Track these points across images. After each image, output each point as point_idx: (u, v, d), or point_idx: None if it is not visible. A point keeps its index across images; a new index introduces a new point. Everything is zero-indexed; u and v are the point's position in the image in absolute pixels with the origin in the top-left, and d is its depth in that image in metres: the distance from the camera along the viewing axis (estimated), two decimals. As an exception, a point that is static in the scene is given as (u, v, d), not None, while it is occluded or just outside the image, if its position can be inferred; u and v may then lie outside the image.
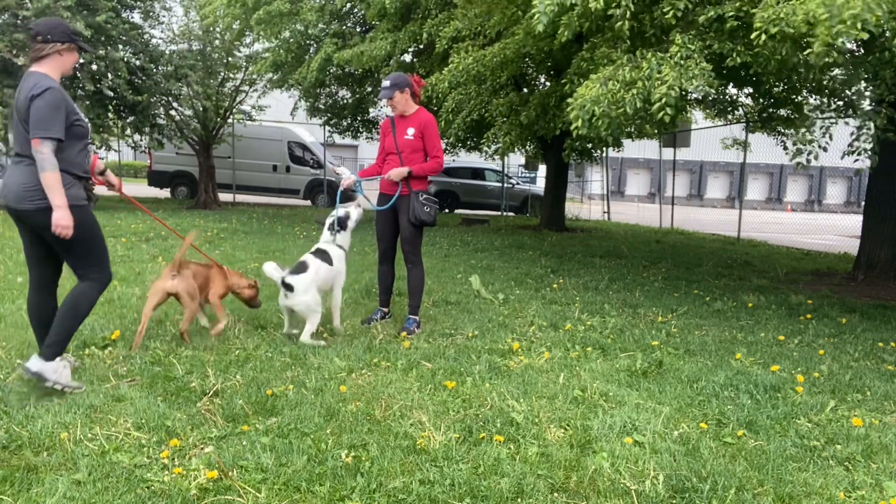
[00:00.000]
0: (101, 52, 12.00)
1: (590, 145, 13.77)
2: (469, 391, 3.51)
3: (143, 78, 13.75)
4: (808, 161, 7.00)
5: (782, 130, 13.10)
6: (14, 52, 11.66)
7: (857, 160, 6.92)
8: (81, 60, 10.71)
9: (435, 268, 7.64)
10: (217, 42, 15.30)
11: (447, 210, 20.29)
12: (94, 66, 12.57)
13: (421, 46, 11.92)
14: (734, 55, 5.27)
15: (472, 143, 15.29)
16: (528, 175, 27.30)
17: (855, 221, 9.81)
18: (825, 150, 7.31)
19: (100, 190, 8.45)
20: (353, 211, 4.80)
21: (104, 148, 13.80)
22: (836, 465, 2.84)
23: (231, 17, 12.51)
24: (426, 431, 2.97)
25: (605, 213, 21.09)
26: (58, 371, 3.22)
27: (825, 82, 9.27)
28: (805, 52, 4.45)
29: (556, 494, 2.51)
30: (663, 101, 5.06)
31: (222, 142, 16.84)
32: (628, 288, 7.02)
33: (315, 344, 4.28)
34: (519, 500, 2.45)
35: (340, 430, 2.96)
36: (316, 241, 4.89)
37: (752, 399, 3.58)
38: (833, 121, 8.68)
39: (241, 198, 19.48)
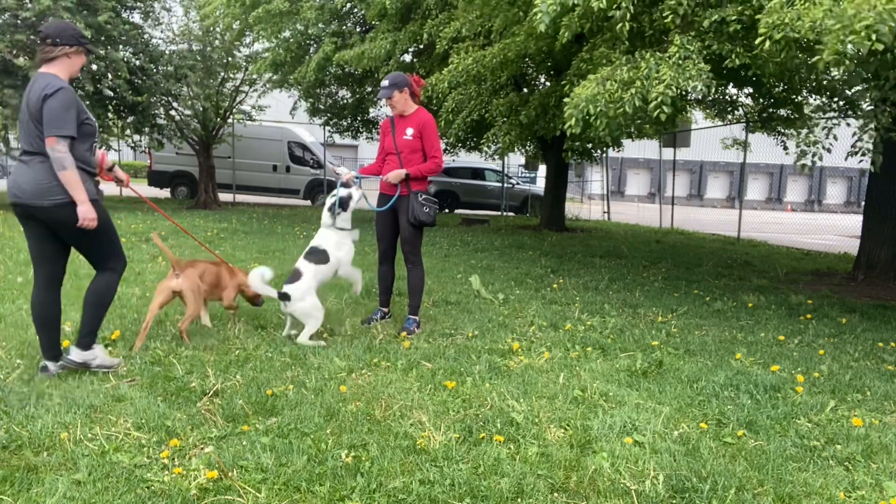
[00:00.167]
0: (101, 52, 12.00)
1: (590, 145, 13.78)
2: (469, 391, 3.51)
3: (143, 78, 13.75)
4: (814, 163, 6.98)
5: (782, 130, 13.11)
6: (14, 52, 11.66)
7: (861, 160, 6.90)
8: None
9: (435, 268, 7.64)
10: (217, 42, 15.30)
11: (447, 210, 20.29)
12: (94, 67, 12.56)
13: (421, 47, 11.93)
14: (733, 56, 5.27)
15: (472, 143, 15.30)
16: (528, 175, 27.32)
17: (855, 221, 9.81)
18: (829, 151, 7.29)
19: (107, 186, 8.48)
20: (355, 192, 4.68)
21: (104, 148, 13.80)
22: (836, 465, 2.83)
23: (231, 16, 12.51)
24: (426, 431, 2.97)
25: (605, 213, 21.09)
26: (97, 356, 3.53)
27: (825, 82, 9.27)
28: (814, 59, 4.42)
29: (556, 494, 2.51)
30: (659, 99, 5.05)
31: (222, 142, 16.85)
32: (628, 288, 7.02)
33: (315, 344, 4.29)
34: (519, 500, 2.45)
35: (340, 430, 2.96)
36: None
37: (752, 399, 3.58)
38: (836, 122, 8.67)
39: (241, 198, 19.48)
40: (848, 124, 8.35)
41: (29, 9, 11.36)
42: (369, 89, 15.03)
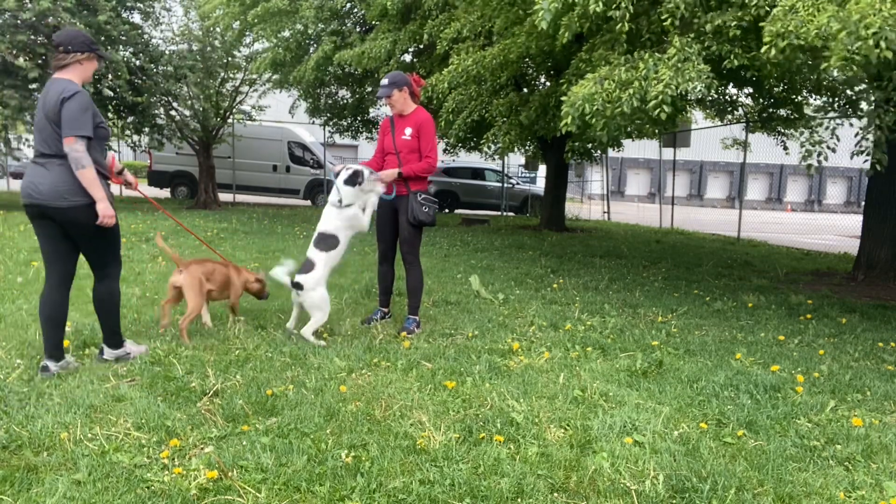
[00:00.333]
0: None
1: (590, 146, 13.79)
2: (469, 391, 3.51)
3: (143, 78, 13.75)
4: (819, 162, 6.96)
5: (782, 130, 13.11)
6: (14, 52, 11.65)
7: (865, 161, 6.89)
8: None
9: (435, 268, 7.64)
10: (217, 42, 15.30)
11: (447, 210, 20.29)
12: (95, 67, 12.55)
13: (421, 47, 11.93)
14: (732, 57, 5.26)
15: (472, 144, 15.31)
16: (528, 175, 27.31)
17: (855, 221, 9.81)
18: (834, 151, 7.28)
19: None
20: (367, 171, 4.58)
21: (109, 151, 13.82)
22: (836, 465, 2.83)
23: (230, 15, 12.50)
24: (426, 431, 2.97)
25: (605, 213, 21.09)
26: (129, 350, 3.83)
27: (825, 82, 9.27)
28: (823, 66, 4.40)
29: (556, 494, 2.51)
30: (660, 98, 5.05)
31: (222, 142, 16.84)
32: (628, 288, 7.02)
33: (315, 343, 4.29)
34: (519, 500, 2.45)
35: (340, 430, 2.96)
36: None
37: (752, 399, 3.58)
38: (839, 122, 8.66)
39: (241, 198, 19.48)
40: (851, 124, 8.34)
41: (29, 9, 11.36)
42: (369, 89, 15.02)
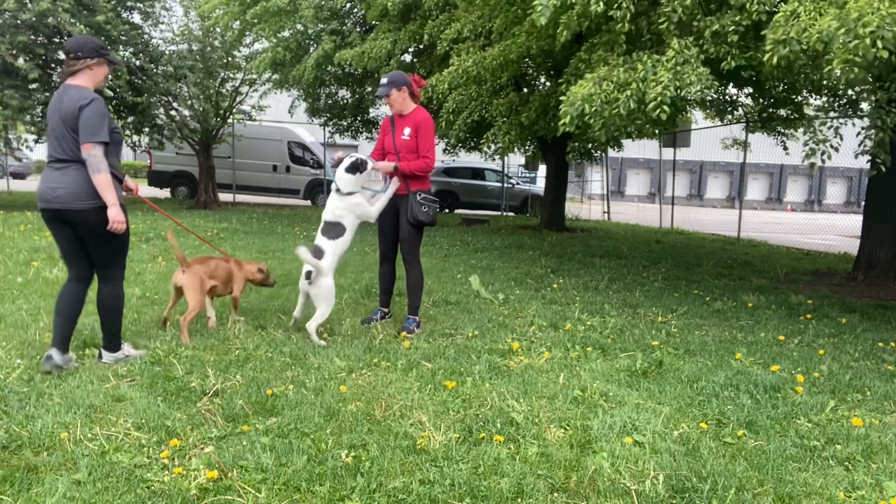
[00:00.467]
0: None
1: (591, 146, 13.79)
2: (469, 391, 3.51)
3: (143, 78, 13.75)
4: (823, 161, 6.95)
5: (782, 130, 13.11)
6: (14, 52, 11.65)
7: (868, 161, 6.87)
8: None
9: (435, 268, 7.64)
10: (217, 42, 15.30)
11: (447, 210, 20.29)
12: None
13: (421, 47, 11.93)
14: (729, 59, 5.26)
15: (472, 144, 15.31)
16: (528, 175, 27.30)
17: (855, 221, 9.80)
18: (837, 150, 7.27)
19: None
20: (370, 161, 4.62)
21: None
22: (836, 465, 2.84)
23: (230, 15, 12.49)
24: (426, 431, 2.97)
25: (605, 213, 21.09)
26: (127, 353, 3.83)
27: (825, 82, 9.26)
28: (826, 69, 4.40)
29: (556, 494, 2.51)
30: (659, 99, 5.05)
31: (222, 142, 16.84)
32: (628, 288, 7.02)
33: (317, 342, 4.30)
34: (519, 500, 2.45)
35: (340, 430, 2.96)
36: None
37: (752, 399, 3.58)
38: (842, 121, 8.65)
39: (241, 198, 19.48)
40: (853, 124, 8.33)
41: (29, 10, 11.36)
42: (369, 89, 15.03)
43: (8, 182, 20.52)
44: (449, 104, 9.89)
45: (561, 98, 5.66)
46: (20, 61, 11.45)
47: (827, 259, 11.06)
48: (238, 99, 16.60)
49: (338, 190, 4.56)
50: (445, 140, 14.42)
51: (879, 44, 3.87)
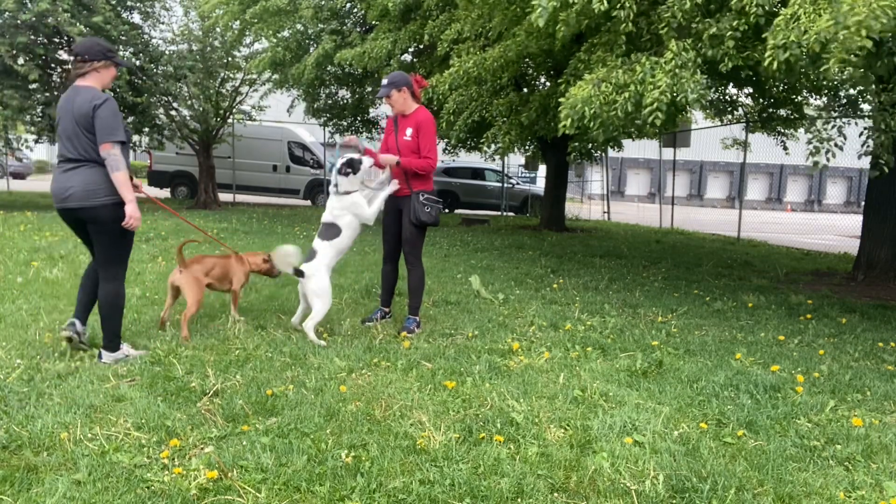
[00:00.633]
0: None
1: (591, 146, 13.79)
2: (469, 391, 3.51)
3: (143, 78, 13.75)
4: (828, 160, 6.95)
5: (782, 130, 13.12)
6: (14, 52, 11.65)
7: (872, 162, 6.86)
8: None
9: (435, 268, 7.64)
10: (217, 42, 15.30)
11: (447, 210, 20.28)
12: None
13: (421, 47, 11.93)
14: (727, 60, 5.26)
15: (472, 144, 15.32)
16: (528, 175, 27.30)
17: (855, 221, 9.80)
18: (841, 149, 7.26)
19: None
20: (366, 159, 4.63)
21: None
22: (836, 465, 2.84)
23: (230, 14, 12.49)
24: (426, 431, 2.97)
25: (605, 213, 21.08)
26: (127, 353, 3.85)
27: (825, 82, 9.27)
28: (822, 68, 4.41)
29: (556, 494, 2.51)
30: (654, 105, 5.07)
31: (222, 142, 16.84)
32: (628, 288, 7.02)
33: (316, 342, 4.30)
34: (519, 500, 2.45)
35: (340, 430, 2.96)
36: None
37: (752, 399, 3.58)
38: (844, 121, 8.65)
39: (241, 198, 19.48)
40: (856, 123, 8.33)
41: (29, 10, 11.36)
42: (369, 89, 15.02)
43: (8, 182, 20.52)
44: (449, 105, 9.89)
45: (560, 100, 5.66)
46: (20, 62, 11.44)
47: (827, 259, 11.07)
48: (238, 99, 16.60)
49: (336, 188, 4.59)
50: (446, 140, 14.43)
51: (864, 32, 3.90)
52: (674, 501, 2.49)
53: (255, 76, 15.88)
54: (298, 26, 12.56)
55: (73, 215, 3.68)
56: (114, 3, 12.85)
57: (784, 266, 9.62)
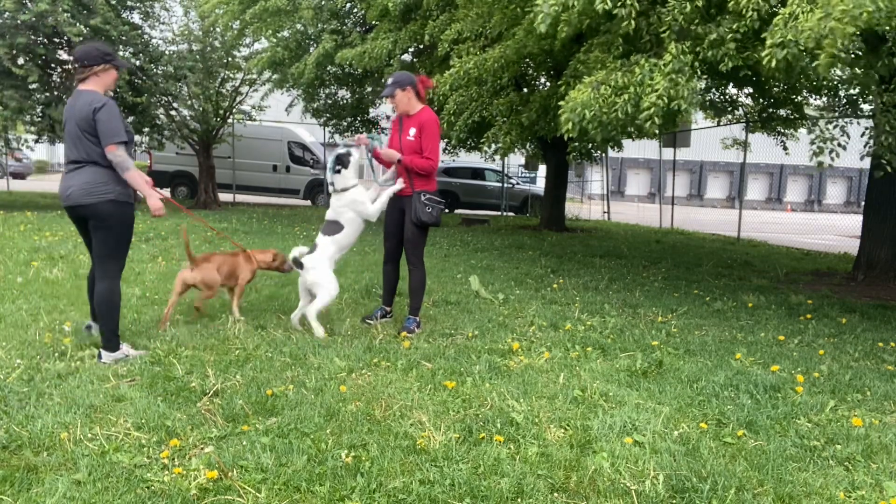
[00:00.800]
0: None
1: (591, 146, 13.79)
2: (469, 391, 3.51)
3: (143, 78, 13.75)
4: (832, 159, 6.93)
5: (782, 130, 13.11)
6: (14, 52, 11.65)
7: (875, 162, 6.86)
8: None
9: (435, 268, 7.64)
10: (217, 42, 15.29)
11: (447, 210, 20.29)
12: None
13: (421, 47, 11.92)
14: (727, 60, 5.27)
15: (472, 144, 15.32)
16: (528, 175, 27.31)
17: (855, 221, 9.81)
18: (844, 148, 7.25)
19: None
20: (355, 150, 4.71)
21: None
22: (836, 465, 2.84)
23: (229, 14, 12.49)
24: (426, 431, 2.97)
25: (605, 213, 21.08)
26: (127, 353, 3.86)
27: (825, 82, 9.27)
28: (813, 64, 4.42)
29: (556, 494, 2.51)
30: (652, 110, 5.08)
31: (222, 142, 16.84)
32: (628, 288, 7.02)
33: (317, 329, 4.42)
34: (519, 500, 2.45)
35: (340, 430, 2.96)
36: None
37: (752, 399, 3.58)
38: (846, 120, 8.64)
39: (241, 198, 19.47)
40: (858, 123, 8.32)
41: (29, 10, 11.36)
42: (369, 89, 15.02)
43: (8, 182, 20.52)
44: (450, 106, 9.89)
45: (560, 103, 5.66)
46: (20, 63, 11.44)
47: (827, 259, 11.06)
48: (238, 99, 16.60)
49: (332, 186, 4.70)
50: (446, 140, 14.41)
51: (849, 21, 3.92)
52: (674, 501, 2.49)
53: (255, 76, 15.87)
54: (298, 26, 12.55)
55: (75, 213, 3.80)
56: (114, 3, 12.85)
57: (784, 266, 9.62)
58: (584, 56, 6.61)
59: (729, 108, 13.70)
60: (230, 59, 15.69)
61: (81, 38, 11.80)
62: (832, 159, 6.92)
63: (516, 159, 23.56)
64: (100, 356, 3.80)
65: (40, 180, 28.38)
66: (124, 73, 12.50)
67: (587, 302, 6.12)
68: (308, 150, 19.83)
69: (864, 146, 7.25)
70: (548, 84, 11.72)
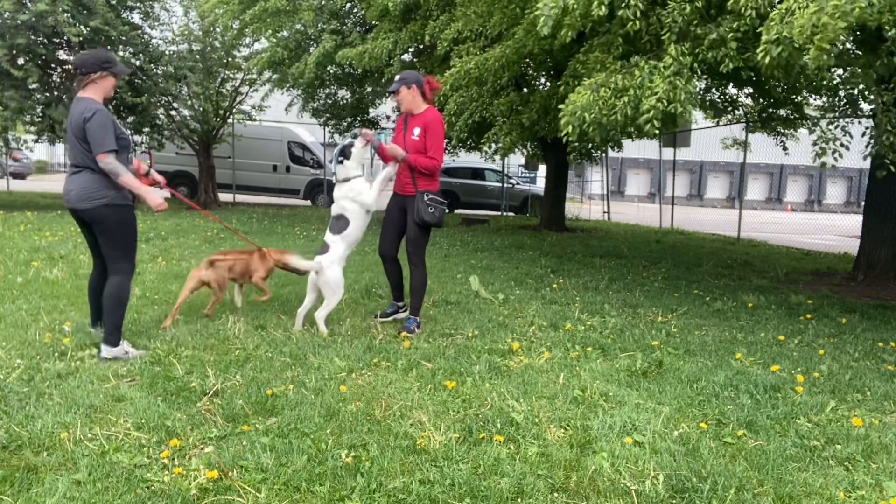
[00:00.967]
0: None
1: (591, 146, 13.79)
2: (469, 391, 3.51)
3: (143, 78, 13.75)
4: (836, 160, 6.92)
5: (782, 130, 13.11)
6: (14, 52, 11.65)
7: (878, 163, 6.85)
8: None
9: (435, 268, 7.64)
10: (217, 42, 15.30)
11: (447, 210, 20.26)
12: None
13: (422, 46, 11.92)
14: (727, 61, 5.27)
15: (472, 144, 15.32)
16: (528, 175, 27.31)
17: (855, 221, 9.81)
18: (847, 148, 7.23)
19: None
20: (358, 141, 4.71)
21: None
22: (836, 465, 2.84)
23: (229, 13, 12.48)
24: (426, 431, 2.97)
25: (605, 213, 21.08)
26: (127, 351, 3.90)
27: (825, 82, 9.26)
28: (804, 59, 4.43)
29: (556, 494, 2.51)
30: (651, 113, 5.08)
31: (222, 142, 16.83)
32: (628, 288, 7.02)
33: (324, 331, 4.48)
34: (519, 500, 2.45)
35: (340, 430, 2.96)
36: (318, 242, 4.89)
37: (752, 399, 3.58)
38: (847, 120, 8.63)
39: (241, 198, 19.47)
40: (860, 123, 8.31)
41: (29, 10, 11.35)
42: (369, 89, 15.02)
43: (8, 182, 20.53)
44: (450, 106, 9.89)
45: (560, 107, 5.66)
46: (20, 63, 11.45)
47: (827, 259, 11.06)
48: (238, 99, 16.60)
49: (335, 177, 4.74)
50: (446, 141, 14.41)
51: (837, 14, 3.92)
52: (674, 501, 2.49)
53: (254, 76, 15.88)
54: (298, 26, 12.54)
55: (74, 215, 3.93)
56: (114, 3, 12.84)
57: (784, 266, 9.62)
58: (584, 56, 6.61)
59: (729, 108, 13.70)
60: (230, 59, 15.69)
61: (81, 39, 11.81)
62: (835, 160, 6.91)
63: (516, 159, 23.56)
64: (100, 351, 3.83)
65: (40, 180, 28.38)
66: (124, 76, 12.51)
67: (587, 302, 6.13)
68: (308, 150, 19.82)
69: (867, 146, 7.24)
70: (548, 84, 11.71)
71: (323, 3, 12.30)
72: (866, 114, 8.54)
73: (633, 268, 8.69)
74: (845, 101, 9.63)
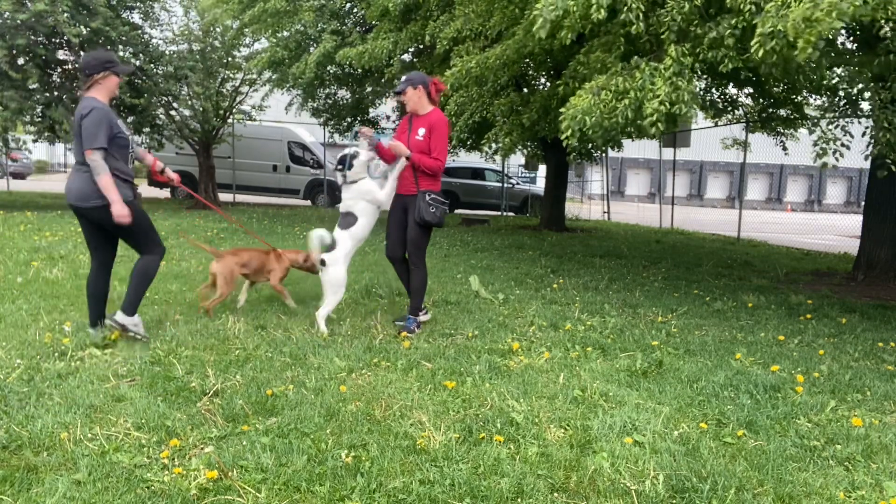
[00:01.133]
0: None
1: (590, 146, 13.78)
2: (469, 391, 3.51)
3: (143, 79, 13.75)
4: (837, 160, 6.92)
5: (782, 130, 13.10)
6: (14, 52, 11.65)
7: (879, 162, 6.85)
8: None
9: (435, 268, 7.64)
10: (217, 42, 15.30)
11: (448, 210, 20.27)
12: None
13: (422, 46, 11.92)
14: (726, 61, 5.27)
15: (472, 144, 15.31)
16: (528, 175, 27.30)
17: (855, 221, 9.81)
18: (848, 148, 7.22)
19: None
20: (363, 151, 4.75)
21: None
22: (836, 465, 2.84)
23: (229, 13, 12.48)
24: (426, 431, 2.97)
25: (605, 213, 21.08)
26: (136, 324, 4.13)
27: (824, 82, 9.26)
28: (794, 55, 4.43)
29: (556, 494, 2.51)
30: (654, 116, 5.08)
31: (222, 142, 16.83)
32: (628, 288, 7.02)
33: (323, 330, 4.48)
34: (519, 500, 2.45)
35: (340, 430, 2.96)
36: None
37: (752, 399, 3.58)
38: (848, 120, 8.63)
39: (241, 198, 19.48)
40: (860, 123, 8.31)
41: (29, 11, 11.35)
42: (369, 89, 15.02)
43: (8, 182, 20.53)
44: (451, 106, 9.89)
45: (561, 110, 5.66)
46: (20, 63, 11.45)
47: (827, 259, 11.06)
48: (238, 99, 16.60)
49: (344, 178, 4.75)
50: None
51: (834, 14, 3.92)
52: (674, 501, 2.49)
53: (254, 76, 15.88)
54: (298, 26, 12.54)
55: (76, 211, 4.03)
56: (114, 3, 12.84)
57: (784, 266, 9.62)
58: (585, 57, 6.61)
59: (729, 108, 13.69)
60: (230, 59, 15.69)
61: (81, 39, 11.80)
62: (836, 160, 6.90)
63: (516, 159, 23.56)
64: (114, 314, 4.06)
65: (40, 180, 28.38)
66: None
67: (587, 302, 6.12)
68: (308, 151, 19.82)
69: (867, 146, 7.24)
70: (548, 84, 11.71)
71: (323, 3, 12.30)
72: (866, 114, 8.53)
73: (633, 268, 8.69)
74: (845, 100, 9.62)
